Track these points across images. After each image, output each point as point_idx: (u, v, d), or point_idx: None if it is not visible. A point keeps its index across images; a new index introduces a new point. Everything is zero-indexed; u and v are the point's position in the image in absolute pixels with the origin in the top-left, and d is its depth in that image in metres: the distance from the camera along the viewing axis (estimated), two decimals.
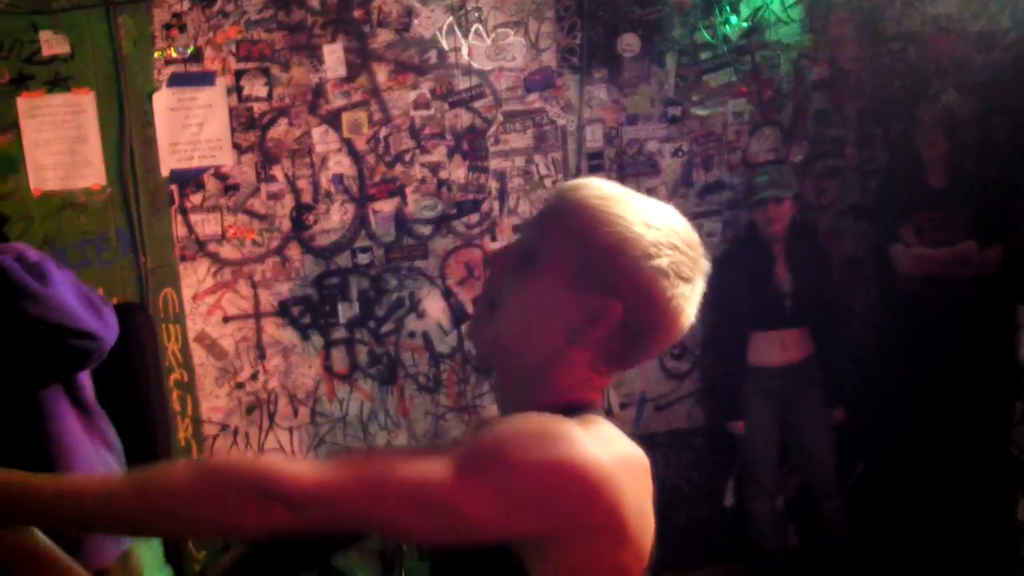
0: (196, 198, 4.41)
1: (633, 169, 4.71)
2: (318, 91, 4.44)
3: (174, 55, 4.33)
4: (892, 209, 4.52)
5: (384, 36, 4.46)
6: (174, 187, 4.38)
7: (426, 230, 4.58)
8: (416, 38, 4.49)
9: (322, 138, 4.46)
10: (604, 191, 1.44)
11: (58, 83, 4.24)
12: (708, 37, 4.70)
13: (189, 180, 4.39)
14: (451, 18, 4.49)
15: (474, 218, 4.60)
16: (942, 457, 4.35)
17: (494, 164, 4.60)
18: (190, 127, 4.36)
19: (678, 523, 4.74)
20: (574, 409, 1.37)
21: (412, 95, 4.51)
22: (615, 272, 1.38)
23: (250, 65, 4.39)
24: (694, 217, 4.66)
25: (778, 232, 4.39)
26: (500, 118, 4.58)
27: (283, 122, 4.43)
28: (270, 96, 4.41)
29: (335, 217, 4.52)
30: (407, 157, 4.53)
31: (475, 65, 4.54)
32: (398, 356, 4.63)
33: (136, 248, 4.36)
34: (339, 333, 4.58)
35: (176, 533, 1.49)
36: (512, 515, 1.23)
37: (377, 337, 4.60)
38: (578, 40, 4.61)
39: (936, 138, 4.39)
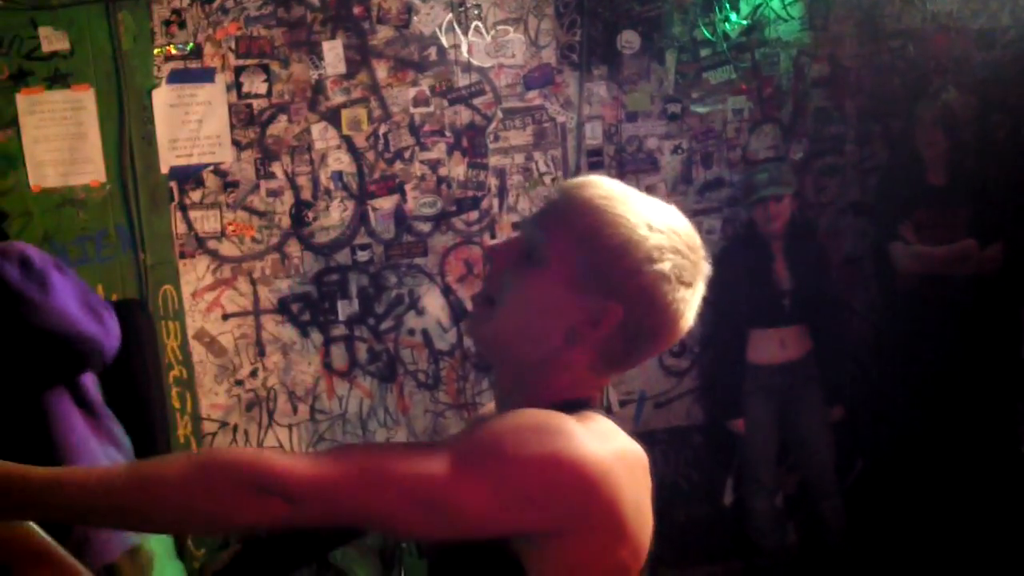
0: (195, 195, 4.41)
1: (633, 166, 4.70)
2: (318, 88, 4.44)
3: (174, 52, 4.33)
4: (892, 207, 4.52)
5: (384, 33, 4.46)
6: (173, 184, 4.39)
7: (426, 227, 4.58)
8: (416, 35, 4.48)
9: (322, 135, 4.46)
10: (609, 191, 1.43)
11: (58, 79, 4.25)
12: (708, 34, 4.70)
13: (189, 177, 4.39)
14: (451, 15, 4.49)
15: (474, 215, 4.60)
16: (942, 455, 4.34)
17: (494, 161, 4.60)
18: (189, 124, 4.36)
19: (677, 521, 4.74)
20: (573, 406, 1.37)
21: (412, 92, 4.51)
22: (618, 275, 1.37)
23: (250, 62, 4.39)
24: (693, 215, 4.66)
25: (777, 230, 4.39)
26: (500, 115, 4.58)
27: (283, 119, 4.43)
28: (270, 93, 4.41)
29: (335, 214, 4.51)
30: (407, 154, 4.53)
31: (475, 62, 4.54)
32: (397, 353, 4.63)
33: (135, 245, 4.36)
34: (338, 330, 4.58)
35: (173, 526, 1.48)
36: (509, 510, 1.22)
37: (376, 334, 4.60)
38: (578, 37, 4.61)
39: (936, 136, 4.39)
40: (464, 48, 4.52)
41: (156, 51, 4.32)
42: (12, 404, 2.56)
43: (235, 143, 4.41)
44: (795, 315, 4.42)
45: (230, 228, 4.45)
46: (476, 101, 4.56)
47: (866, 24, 4.80)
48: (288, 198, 4.47)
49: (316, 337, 4.56)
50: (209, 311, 4.47)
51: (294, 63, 4.42)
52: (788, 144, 4.81)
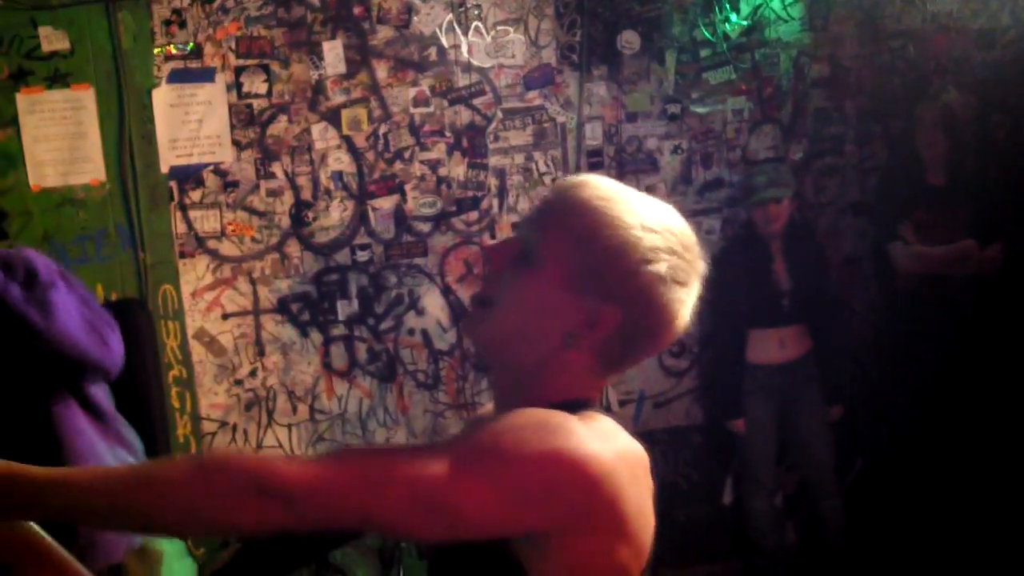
0: (195, 195, 4.41)
1: (632, 166, 4.70)
2: (318, 88, 4.44)
3: (174, 51, 4.33)
4: (892, 207, 4.52)
5: (384, 33, 4.46)
6: (173, 183, 4.39)
7: (425, 227, 4.58)
8: (416, 35, 4.49)
9: (322, 135, 4.46)
10: (605, 191, 1.43)
11: (58, 79, 4.25)
12: (708, 35, 4.70)
13: (188, 176, 4.39)
14: (451, 15, 4.49)
15: (473, 215, 4.60)
16: (941, 455, 4.34)
17: (494, 161, 4.60)
18: (190, 123, 4.36)
19: (676, 520, 4.74)
20: (573, 406, 1.37)
21: (412, 92, 4.51)
22: (614, 276, 1.37)
23: (250, 62, 4.39)
24: (693, 215, 4.70)
25: (776, 230, 4.39)
26: (500, 115, 4.58)
27: (283, 119, 4.43)
28: (270, 93, 4.41)
29: (334, 214, 4.52)
30: (407, 154, 4.53)
31: (475, 62, 4.54)
32: (397, 353, 4.63)
33: (135, 244, 4.36)
34: (338, 330, 4.58)
35: (175, 527, 1.48)
36: (510, 509, 1.22)
37: (376, 334, 4.60)
38: (578, 37, 4.61)
39: (936, 137, 4.38)
40: (464, 48, 4.53)
41: (156, 51, 4.32)
42: (19, 411, 2.58)
43: (235, 143, 4.41)
44: (794, 315, 4.42)
45: (230, 228, 4.45)
46: (476, 101, 4.56)
47: (866, 25, 4.80)
48: (288, 198, 4.48)
49: (316, 337, 4.57)
50: (209, 311, 4.47)
51: (294, 63, 4.42)
52: (788, 144, 4.81)
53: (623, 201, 1.42)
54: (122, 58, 4.29)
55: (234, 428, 4.54)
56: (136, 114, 4.33)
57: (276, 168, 4.45)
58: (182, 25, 4.33)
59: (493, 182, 4.60)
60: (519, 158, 4.61)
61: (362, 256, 4.55)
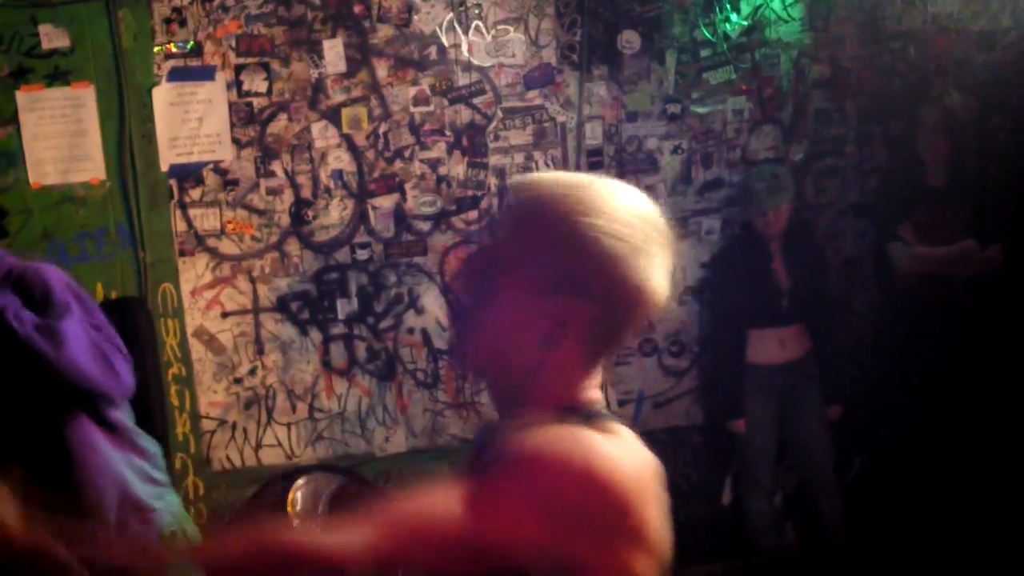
0: (195, 193, 4.41)
1: (632, 166, 4.70)
2: (318, 86, 4.44)
3: (174, 50, 4.33)
4: (892, 208, 4.52)
5: (384, 32, 4.46)
6: (173, 182, 4.39)
7: (425, 226, 4.58)
8: (416, 34, 4.48)
9: (322, 133, 4.46)
10: (547, 190, 1.43)
11: (58, 77, 4.25)
12: (708, 35, 4.69)
13: (188, 175, 4.39)
14: (451, 14, 4.49)
15: (473, 214, 4.60)
16: (940, 455, 4.34)
17: (494, 160, 4.59)
18: (190, 122, 4.36)
19: (675, 520, 4.71)
20: (588, 416, 1.37)
21: (412, 91, 4.51)
22: (574, 271, 1.37)
23: (250, 60, 4.39)
24: (693, 215, 4.71)
25: (776, 233, 4.39)
26: (500, 114, 4.58)
27: (283, 117, 4.43)
28: (270, 91, 4.41)
29: (334, 213, 4.51)
30: (407, 153, 4.53)
31: (475, 61, 4.54)
32: (396, 352, 4.63)
33: (135, 243, 4.36)
34: (338, 329, 4.58)
35: None
36: (547, 536, 1.23)
37: (376, 333, 4.60)
38: (578, 37, 4.61)
39: (938, 140, 4.39)
40: (464, 47, 4.52)
41: (156, 49, 4.33)
42: (32, 429, 2.61)
43: (235, 141, 4.41)
44: (794, 315, 4.42)
45: (230, 226, 4.45)
46: (476, 100, 4.56)
47: (867, 25, 4.79)
48: (288, 196, 4.48)
49: (315, 335, 4.56)
50: (208, 309, 4.47)
51: (294, 61, 4.42)
52: (788, 145, 4.81)
53: (569, 193, 1.42)
54: (122, 56, 4.29)
55: (233, 426, 4.54)
56: (136, 112, 4.33)
57: (276, 166, 4.45)
58: (182, 23, 4.33)
59: (493, 181, 4.59)
60: (519, 157, 4.61)
61: (362, 255, 4.55)
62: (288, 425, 4.57)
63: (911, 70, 4.81)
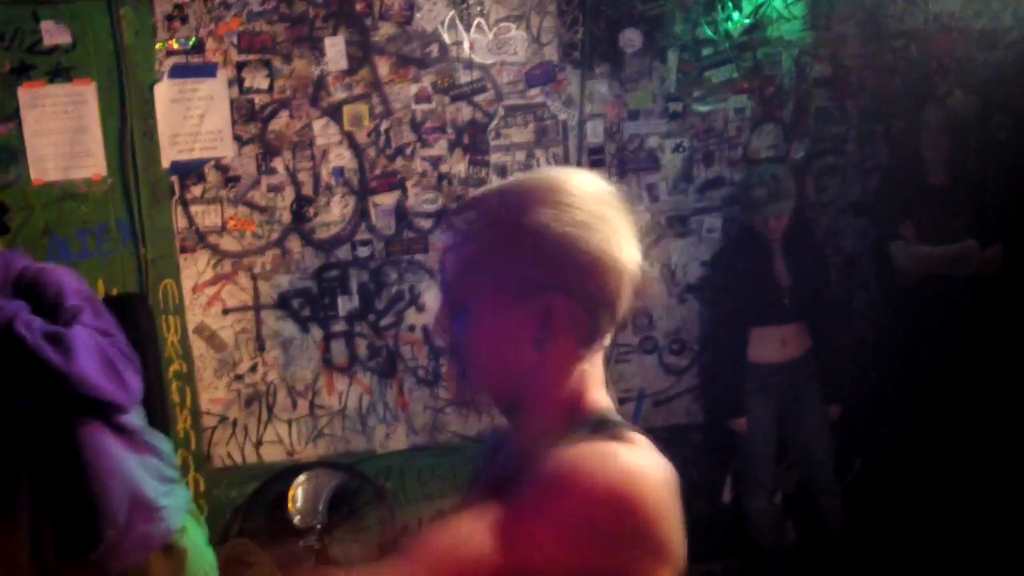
0: (196, 190, 4.41)
1: (634, 164, 4.70)
2: (319, 84, 4.44)
3: (175, 46, 4.34)
4: (892, 206, 4.52)
5: (386, 29, 4.46)
6: (175, 178, 4.40)
7: (426, 224, 4.58)
8: (418, 31, 4.48)
9: (323, 131, 4.47)
10: (484, 200, 1.43)
11: (59, 73, 4.25)
12: (710, 33, 4.69)
13: (190, 171, 4.40)
14: (453, 12, 4.49)
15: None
16: (940, 454, 4.35)
17: (495, 158, 4.59)
18: (191, 119, 4.37)
19: None
20: (602, 424, 1.36)
21: (413, 88, 4.51)
22: (533, 270, 1.35)
23: (251, 57, 4.39)
24: (694, 213, 4.71)
25: (777, 236, 4.39)
26: (501, 112, 4.58)
27: (284, 114, 4.43)
28: (271, 88, 4.42)
29: (335, 210, 4.52)
30: (408, 150, 4.53)
31: (476, 59, 4.54)
32: (397, 349, 4.63)
33: (136, 239, 4.37)
34: (339, 326, 4.58)
35: None
36: (575, 555, 1.22)
37: (376, 330, 4.61)
38: (580, 35, 4.60)
39: (941, 140, 4.38)
40: (466, 45, 4.52)
41: (158, 46, 4.33)
42: (42, 433, 2.61)
43: (236, 138, 4.41)
44: (795, 314, 4.42)
45: (231, 223, 4.45)
46: (478, 98, 4.56)
47: (868, 24, 4.79)
48: (289, 193, 4.48)
49: (316, 332, 4.57)
50: (209, 306, 4.47)
51: (296, 59, 4.42)
52: (789, 143, 4.81)
53: (504, 197, 1.41)
54: (124, 53, 4.29)
55: (234, 423, 4.54)
56: (137, 109, 4.33)
57: (277, 163, 4.45)
58: (184, 20, 4.33)
59: (494, 179, 4.59)
60: (520, 155, 4.61)
61: (363, 252, 4.55)
62: (289, 422, 4.58)
63: (912, 69, 4.81)
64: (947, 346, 4.31)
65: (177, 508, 2.87)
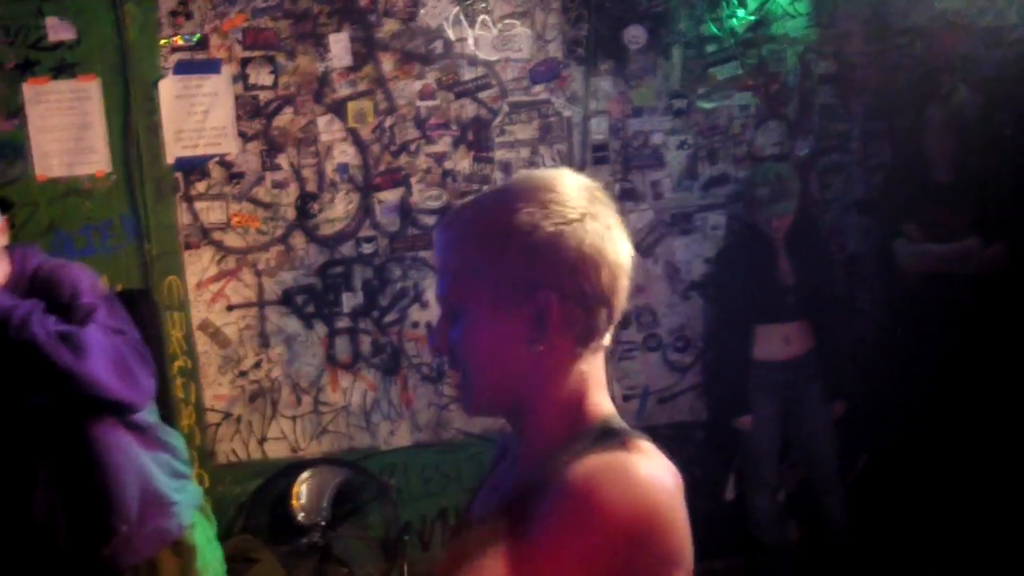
0: (201, 186, 4.41)
1: (638, 161, 4.70)
2: (324, 80, 4.44)
3: (180, 42, 4.34)
4: (896, 204, 4.51)
5: (390, 26, 4.46)
6: (179, 175, 4.40)
7: (430, 220, 4.58)
8: (422, 28, 4.48)
9: (327, 127, 4.47)
10: (469, 206, 1.44)
11: (64, 69, 4.26)
12: (715, 30, 4.69)
13: (194, 168, 4.40)
14: (457, 8, 4.49)
15: None
16: (944, 453, 4.34)
17: (499, 155, 4.59)
18: (195, 115, 4.37)
19: None
20: (609, 432, 1.35)
21: (418, 85, 4.51)
22: (519, 269, 1.34)
23: (256, 53, 4.39)
24: (698, 210, 4.71)
25: (780, 235, 4.38)
26: (506, 109, 4.58)
27: (288, 111, 4.43)
28: (275, 84, 4.42)
29: (339, 206, 4.52)
30: (412, 147, 4.53)
31: (481, 56, 4.54)
32: (401, 346, 4.63)
33: (140, 235, 4.37)
34: (343, 322, 4.59)
35: None
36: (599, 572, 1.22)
37: (380, 327, 4.61)
38: (584, 32, 4.60)
39: (944, 137, 4.38)
40: (470, 41, 4.52)
41: (162, 42, 4.33)
42: (56, 426, 2.63)
43: (241, 134, 4.41)
44: (799, 311, 4.41)
45: (235, 219, 4.45)
46: (482, 95, 4.56)
47: (873, 21, 4.79)
48: (293, 190, 4.48)
49: (320, 329, 4.57)
50: (214, 302, 4.48)
51: (300, 55, 4.42)
52: (794, 141, 4.81)
53: (487, 201, 1.42)
54: (128, 49, 4.29)
55: (238, 419, 4.55)
56: (142, 105, 4.33)
57: (281, 160, 4.45)
58: (188, 16, 4.33)
59: (498, 176, 4.59)
60: (524, 152, 4.61)
61: (367, 249, 4.55)
62: (293, 418, 4.58)
63: (917, 66, 4.80)
64: (951, 344, 4.30)
65: (188, 504, 2.88)
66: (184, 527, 2.84)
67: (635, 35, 4.63)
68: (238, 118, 4.40)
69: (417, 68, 4.50)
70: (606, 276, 1.36)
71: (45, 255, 2.73)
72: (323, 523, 4.42)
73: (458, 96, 4.54)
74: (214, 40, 4.36)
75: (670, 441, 4.82)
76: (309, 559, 4.45)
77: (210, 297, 4.47)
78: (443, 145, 4.55)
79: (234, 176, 4.43)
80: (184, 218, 4.42)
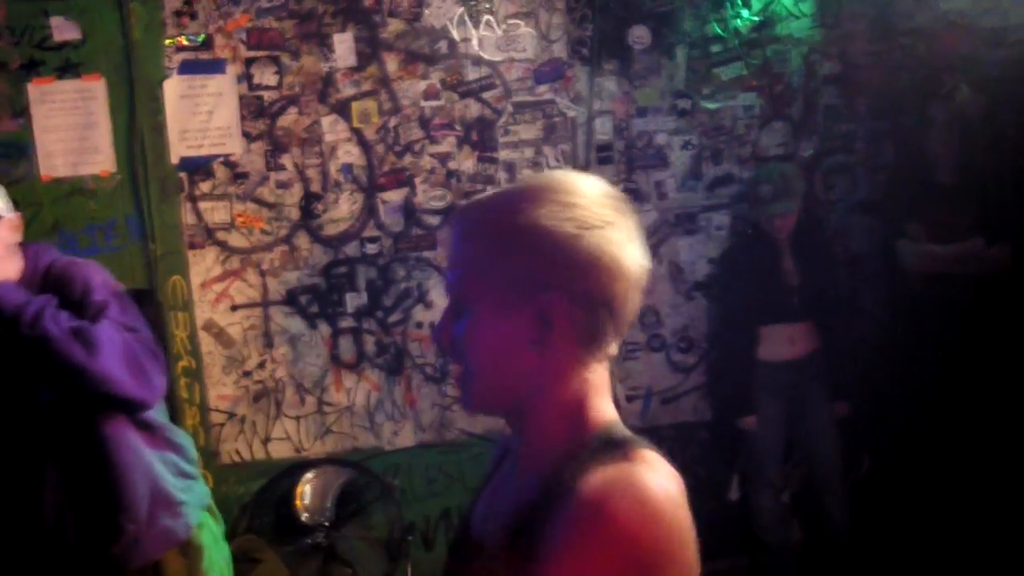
0: (205, 186, 4.41)
1: (642, 161, 4.70)
2: (328, 80, 4.44)
3: (184, 42, 4.34)
4: (900, 205, 4.51)
5: (395, 26, 4.46)
6: (183, 175, 4.39)
7: (434, 220, 4.58)
8: (427, 28, 4.48)
9: (331, 127, 4.47)
10: (488, 197, 1.43)
11: (68, 69, 4.26)
12: (719, 30, 4.69)
13: (198, 168, 4.40)
14: (462, 8, 4.49)
15: None
16: (947, 453, 4.34)
17: (503, 155, 4.60)
18: (200, 115, 4.37)
19: None
20: (610, 442, 1.34)
21: (422, 85, 4.51)
22: (530, 268, 1.33)
23: (260, 53, 4.40)
24: (702, 210, 4.71)
25: (784, 235, 4.38)
26: (510, 109, 4.58)
27: (293, 111, 4.43)
28: (280, 84, 4.42)
29: (344, 206, 4.52)
30: (416, 147, 4.53)
31: (485, 56, 4.54)
32: (405, 346, 4.63)
33: (145, 235, 4.37)
34: (346, 322, 4.59)
35: None
36: None
37: (384, 327, 4.61)
38: (588, 32, 4.60)
39: (949, 137, 4.38)
40: (475, 42, 4.52)
41: (167, 42, 4.33)
42: (66, 424, 2.63)
43: (245, 134, 4.41)
44: (803, 312, 4.41)
45: (239, 219, 4.45)
46: (486, 95, 4.56)
47: (877, 22, 4.79)
48: (297, 190, 4.48)
49: (324, 329, 4.57)
50: (218, 302, 4.48)
51: (304, 55, 4.42)
52: (798, 141, 4.81)
53: (507, 195, 1.40)
54: (133, 49, 4.29)
55: (242, 420, 4.55)
56: (146, 105, 4.33)
57: (286, 160, 4.45)
58: (193, 16, 4.33)
59: (503, 176, 4.59)
60: (529, 152, 4.61)
61: (371, 249, 4.55)
62: (297, 419, 4.58)
63: (921, 67, 4.79)
64: (953, 345, 4.30)
65: (195, 504, 2.88)
66: (191, 527, 2.84)
67: (639, 35, 4.64)
68: (242, 118, 4.40)
69: (421, 68, 4.50)
70: (620, 287, 1.35)
71: (58, 252, 2.74)
72: (327, 523, 4.42)
73: (462, 96, 4.54)
74: (218, 40, 4.36)
75: (674, 442, 4.85)
76: (313, 559, 4.46)
77: (214, 297, 4.47)
78: (447, 145, 4.56)
79: (238, 176, 4.43)
80: (188, 218, 4.42)
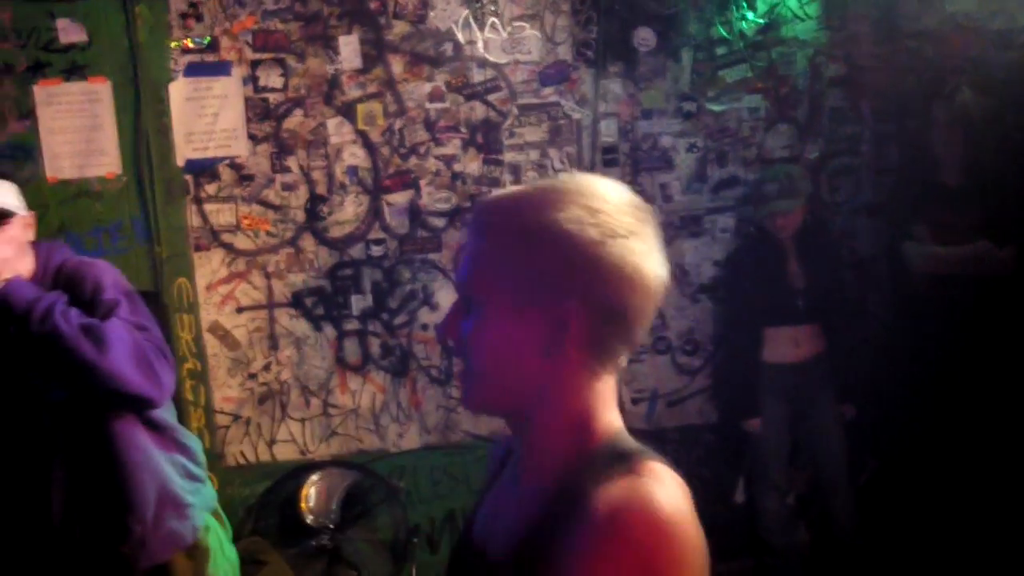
0: (211, 188, 4.42)
1: (647, 164, 4.70)
2: (333, 82, 4.44)
3: (190, 45, 4.34)
4: (906, 207, 4.50)
5: (400, 28, 4.46)
6: (189, 177, 4.40)
7: (440, 223, 4.58)
8: (432, 30, 4.49)
9: (337, 129, 4.47)
10: (510, 194, 1.40)
11: (74, 71, 4.26)
12: (724, 33, 4.69)
13: (204, 170, 4.40)
14: (467, 11, 4.49)
15: None
16: (954, 455, 4.33)
17: (508, 157, 4.59)
18: (205, 117, 4.37)
19: None
20: (618, 455, 1.32)
21: (427, 87, 4.51)
22: (550, 271, 1.31)
23: (266, 55, 4.40)
24: (707, 213, 4.71)
25: (788, 235, 4.38)
26: (515, 111, 4.58)
27: (298, 113, 4.44)
28: (285, 87, 4.42)
29: (349, 209, 4.52)
30: (421, 149, 4.53)
31: (490, 58, 4.54)
32: (410, 348, 4.63)
33: (150, 237, 4.37)
34: (352, 325, 4.59)
35: None
36: None
37: (390, 329, 4.61)
38: (594, 34, 4.60)
39: (951, 137, 4.37)
40: (480, 44, 4.52)
41: (173, 44, 4.33)
42: (75, 423, 2.63)
43: (251, 137, 4.42)
44: (808, 314, 4.41)
45: (245, 221, 4.45)
46: (491, 97, 4.56)
47: (883, 24, 4.78)
48: (303, 192, 4.48)
49: (329, 331, 4.57)
50: (223, 304, 4.48)
51: (310, 57, 4.42)
52: (803, 144, 4.80)
53: (530, 194, 1.37)
54: (138, 51, 4.30)
55: (247, 422, 4.55)
56: (152, 107, 4.34)
57: (291, 162, 4.46)
58: (199, 19, 4.34)
59: (508, 178, 4.59)
60: (534, 154, 4.61)
61: (376, 251, 4.55)
62: (302, 421, 4.58)
63: (927, 69, 4.79)
64: (960, 347, 4.29)
65: (202, 507, 2.88)
66: (198, 530, 2.84)
67: (644, 37, 4.64)
68: (248, 120, 4.41)
69: (427, 70, 4.51)
70: (638, 299, 1.33)
71: (70, 252, 2.75)
72: (332, 525, 4.42)
73: (467, 98, 4.54)
74: (224, 42, 4.36)
75: (679, 445, 4.84)
76: (318, 561, 4.45)
77: (220, 299, 4.48)
78: (452, 147, 4.56)
79: (244, 178, 4.43)
80: (194, 220, 4.42)
